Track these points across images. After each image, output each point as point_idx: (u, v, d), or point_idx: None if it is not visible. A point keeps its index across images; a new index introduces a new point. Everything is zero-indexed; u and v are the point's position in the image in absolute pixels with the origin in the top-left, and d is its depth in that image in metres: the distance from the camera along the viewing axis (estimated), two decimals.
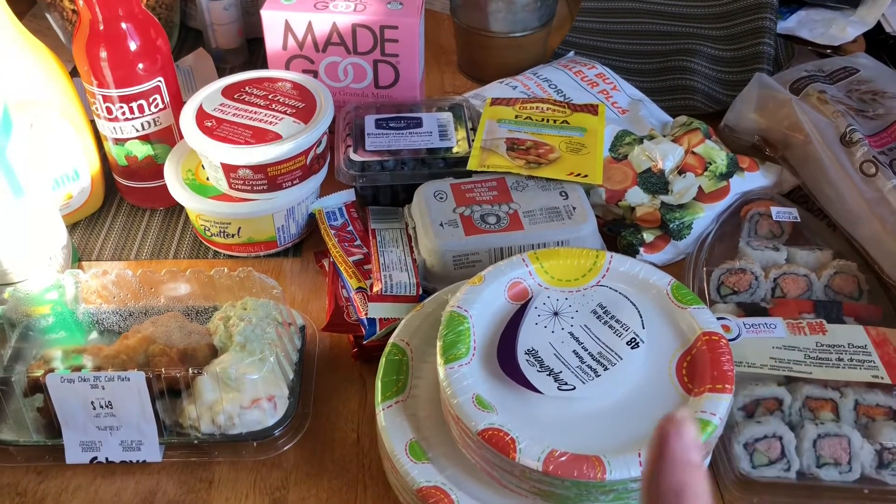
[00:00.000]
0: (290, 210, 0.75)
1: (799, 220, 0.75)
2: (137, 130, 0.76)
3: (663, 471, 0.33)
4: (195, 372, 0.58)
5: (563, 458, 0.48)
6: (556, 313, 0.58)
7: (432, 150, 0.78)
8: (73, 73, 0.79)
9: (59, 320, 0.66)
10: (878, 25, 1.01)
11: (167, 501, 0.59)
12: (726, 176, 0.78)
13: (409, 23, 0.81)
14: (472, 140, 0.78)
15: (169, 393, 0.59)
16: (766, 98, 0.83)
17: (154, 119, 0.76)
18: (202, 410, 0.58)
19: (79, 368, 0.59)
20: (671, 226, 0.75)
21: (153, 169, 0.78)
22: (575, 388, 0.53)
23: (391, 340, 0.61)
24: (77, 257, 0.76)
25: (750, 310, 0.67)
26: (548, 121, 0.80)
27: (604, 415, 0.52)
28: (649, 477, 0.34)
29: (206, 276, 0.66)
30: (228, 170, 0.71)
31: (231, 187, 0.72)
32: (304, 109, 0.74)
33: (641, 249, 0.75)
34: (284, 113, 0.73)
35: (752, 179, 0.79)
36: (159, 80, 0.74)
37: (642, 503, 0.34)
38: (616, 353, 0.55)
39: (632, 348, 0.55)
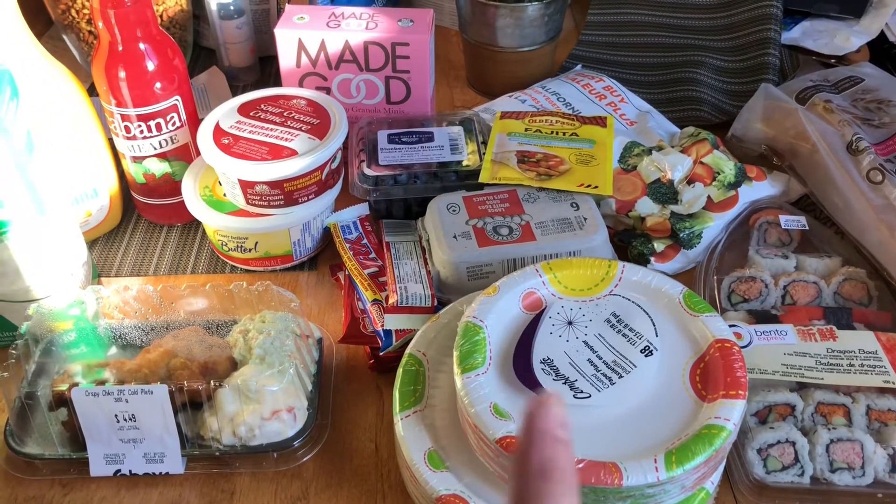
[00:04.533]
0: (305, 224, 0.76)
1: (807, 227, 0.76)
2: (155, 148, 0.77)
3: (531, 447, 0.33)
4: (216, 384, 0.59)
5: (580, 466, 0.49)
6: (570, 322, 0.58)
7: (444, 163, 0.79)
8: (91, 93, 0.81)
9: (82, 335, 0.67)
10: (882, 35, 1.02)
11: None
12: (735, 185, 0.79)
13: (420, 40, 0.83)
14: (483, 153, 0.79)
15: (191, 405, 0.60)
16: (773, 108, 0.85)
17: (171, 137, 0.77)
18: (223, 422, 0.60)
19: (102, 382, 0.60)
20: (681, 235, 0.76)
21: (171, 186, 0.80)
22: (590, 395, 0.54)
23: (408, 351, 0.62)
24: (96, 273, 0.78)
25: (760, 317, 0.68)
26: (557, 133, 0.82)
27: (619, 422, 0.53)
28: (518, 456, 0.33)
29: (225, 290, 0.67)
30: (245, 186, 0.72)
31: (248, 203, 0.74)
32: (319, 126, 0.75)
33: (652, 259, 0.76)
34: (300, 129, 0.75)
35: (761, 188, 0.80)
36: (176, 99, 0.75)
37: (511, 485, 0.33)
38: (630, 362, 0.55)
39: (645, 356, 0.56)
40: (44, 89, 0.72)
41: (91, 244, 0.82)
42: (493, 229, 0.71)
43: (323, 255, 0.80)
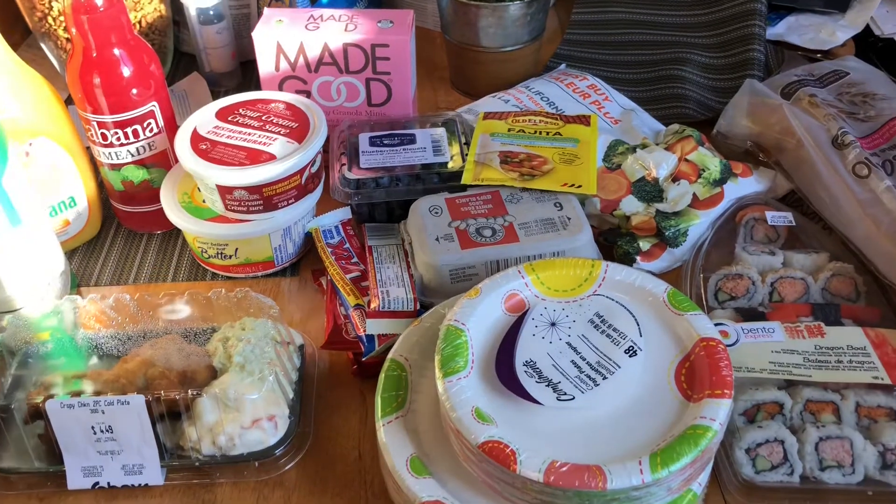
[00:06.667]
0: (286, 230, 0.75)
1: (794, 223, 0.75)
2: (133, 155, 0.76)
3: None
4: (195, 394, 0.58)
5: (563, 469, 0.48)
6: (553, 324, 0.58)
7: (426, 165, 0.78)
8: (69, 102, 0.80)
9: (59, 346, 0.66)
10: (867, 28, 1.01)
11: None
12: (720, 182, 0.78)
13: (400, 41, 0.82)
14: (466, 154, 0.79)
15: (169, 415, 0.59)
16: (758, 104, 0.84)
17: (149, 143, 0.76)
18: (203, 432, 0.58)
19: (78, 394, 0.59)
20: (667, 233, 0.75)
21: (149, 193, 0.79)
22: (574, 398, 0.53)
23: (390, 356, 0.61)
24: (76, 283, 0.77)
25: (748, 315, 0.67)
26: (541, 133, 0.81)
27: (604, 424, 0.52)
28: None
29: (203, 297, 0.66)
30: (224, 191, 0.71)
31: (227, 209, 0.73)
32: (298, 129, 0.74)
33: (638, 258, 0.75)
34: (278, 133, 0.74)
35: (746, 185, 0.80)
36: (153, 105, 0.74)
37: None
38: (614, 362, 0.55)
39: (630, 357, 0.55)
40: (18, 98, 0.71)
41: (71, 253, 0.81)
42: (475, 231, 0.70)
43: (305, 261, 0.79)
